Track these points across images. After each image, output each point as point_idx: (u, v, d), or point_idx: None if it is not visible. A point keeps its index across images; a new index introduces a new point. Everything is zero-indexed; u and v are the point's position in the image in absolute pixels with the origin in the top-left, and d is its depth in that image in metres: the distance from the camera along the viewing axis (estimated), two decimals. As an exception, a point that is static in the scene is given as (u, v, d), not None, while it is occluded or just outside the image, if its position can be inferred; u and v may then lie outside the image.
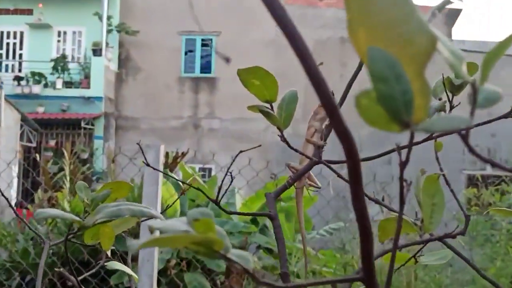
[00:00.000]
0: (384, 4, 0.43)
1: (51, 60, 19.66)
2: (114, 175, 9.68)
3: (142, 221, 1.20)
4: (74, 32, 20.30)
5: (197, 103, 19.74)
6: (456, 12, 19.24)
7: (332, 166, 1.14)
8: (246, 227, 6.60)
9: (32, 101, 18.90)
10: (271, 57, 18.00)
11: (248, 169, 5.75)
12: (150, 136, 18.59)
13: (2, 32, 20.39)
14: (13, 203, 7.02)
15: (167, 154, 7.45)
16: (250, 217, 6.80)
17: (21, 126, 16.95)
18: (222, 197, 1.05)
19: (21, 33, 20.40)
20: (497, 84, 0.49)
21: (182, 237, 0.52)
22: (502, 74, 13.93)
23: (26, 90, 19.15)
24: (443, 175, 0.83)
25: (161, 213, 1.16)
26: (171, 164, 7.34)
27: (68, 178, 8.62)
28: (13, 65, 20.47)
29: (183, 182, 1.23)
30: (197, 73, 20.11)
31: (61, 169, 11.00)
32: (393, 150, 0.90)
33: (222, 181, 1.08)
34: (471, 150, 0.45)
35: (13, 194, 11.98)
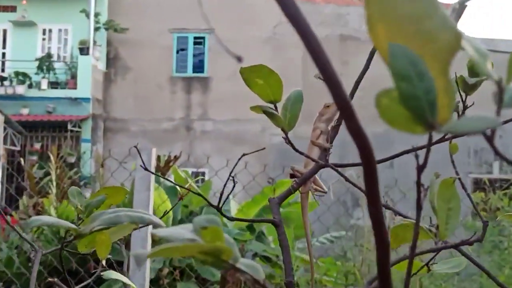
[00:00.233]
0: (405, -2, 0.43)
1: (36, 60, 19.64)
2: (103, 180, 9.66)
3: (134, 229, 1.19)
4: (60, 30, 20.27)
5: (189, 104, 19.74)
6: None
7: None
8: (241, 234, 6.59)
9: (16, 102, 18.86)
10: (268, 55, 18.01)
11: (244, 173, 5.74)
12: (140, 138, 18.55)
13: (-16, 30, 20.38)
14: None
15: (158, 158, 7.44)
16: (246, 224, 6.79)
17: (5, 128, 16.90)
18: (224, 203, 1.05)
19: (4, 31, 20.36)
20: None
21: (190, 246, 0.51)
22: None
23: (10, 91, 19.11)
24: (459, 179, 0.82)
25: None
26: (163, 168, 7.33)
27: (54, 183, 8.59)
28: (-5, 65, 20.46)
29: (181, 187, 1.23)
30: (189, 72, 20.11)
31: (47, 174, 10.96)
32: (407, 151, 0.90)
33: (224, 185, 1.07)
34: (497, 153, 0.45)
35: (-4, 200, 11.94)
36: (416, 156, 0.59)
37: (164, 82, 19.86)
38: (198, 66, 20.18)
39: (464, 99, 1.02)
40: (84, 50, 19.12)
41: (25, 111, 18.96)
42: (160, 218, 1.68)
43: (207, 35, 19.95)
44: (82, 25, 19.34)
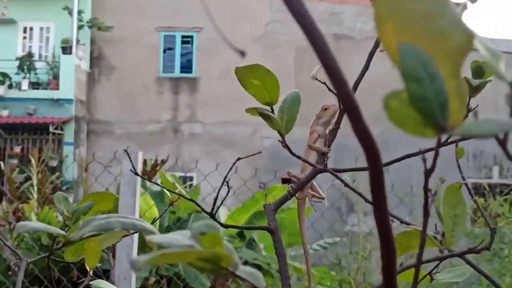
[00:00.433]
0: (415, -5, 0.43)
1: (16, 59, 19.56)
2: (87, 185, 9.63)
3: (123, 236, 1.19)
4: (41, 28, 20.22)
5: (177, 106, 19.72)
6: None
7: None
8: (231, 241, 6.59)
9: (-5, 103, 18.82)
10: (259, 55, 18.01)
11: (234, 178, 5.72)
12: (125, 141, 18.52)
13: (-38, 28, 20.29)
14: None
15: (145, 162, 7.43)
16: (236, 230, 6.79)
17: (-17, 131, 16.85)
18: (217, 209, 1.05)
19: (-17, 29, 20.31)
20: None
21: (189, 253, 0.51)
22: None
23: (-11, 92, 19.07)
24: (465, 184, 0.82)
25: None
26: (150, 172, 7.32)
27: (35, 188, 8.57)
28: (-26, 64, 20.37)
29: (171, 192, 1.23)
30: (176, 72, 20.09)
31: (28, 178, 10.93)
32: (413, 154, 0.90)
33: (218, 191, 1.07)
34: (510, 158, 0.45)
35: (-26, 206, 11.87)
36: (424, 160, 0.60)
37: (151, 83, 19.83)
38: (186, 66, 20.16)
39: (467, 102, 1.02)
40: (66, 49, 19.06)
41: (4, 112, 18.89)
42: (152, 224, 1.68)
43: (195, 34, 19.94)
44: (65, 23, 19.30)
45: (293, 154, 1.08)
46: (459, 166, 0.94)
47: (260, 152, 1.16)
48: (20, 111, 18.90)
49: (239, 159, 1.07)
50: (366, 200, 1.04)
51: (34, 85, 19.42)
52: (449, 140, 0.98)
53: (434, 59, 0.42)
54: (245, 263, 6.82)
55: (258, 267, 6.74)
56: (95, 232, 0.81)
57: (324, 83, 1.15)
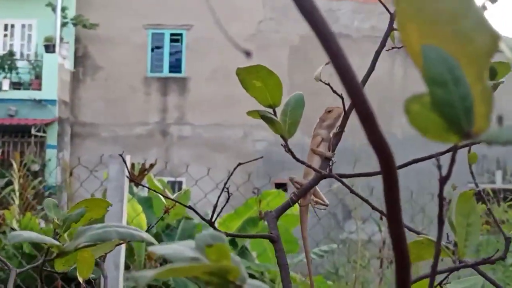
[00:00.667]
0: (438, -5, 0.43)
1: (-3, 58, 19.54)
2: (71, 190, 9.61)
3: (117, 245, 1.18)
4: (23, 25, 20.17)
5: (165, 107, 19.70)
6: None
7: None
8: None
9: (-26, 104, 18.77)
10: (251, 54, 18.01)
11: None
12: (111, 145, 18.50)
13: None
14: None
15: (133, 166, 7.42)
16: (227, 238, 6.78)
17: (-38, 133, 16.80)
18: (217, 217, 1.04)
19: (-38, 26, 20.25)
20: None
21: (196, 267, 0.51)
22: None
23: (-33, 92, 19.01)
24: (479, 191, 0.82)
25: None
26: (138, 177, 7.31)
27: (17, 193, 8.54)
28: (-48, 63, 20.31)
29: (167, 198, 1.22)
30: (165, 72, 20.08)
31: (9, 183, 10.89)
32: (429, 157, 0.90)
33: (218, 197, 1.07)
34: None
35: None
36: (439, 167, 0.59)
37: (138, 83, 19.81)
38: (175, 66, 20.15)
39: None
40: (49, 47, 19.02)
41: (-16, 114, 18.86)
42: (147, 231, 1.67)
43: (185, 32, 19.94)
44: (48, 20, 19.25)
45: (297, 159, 1.08)
46: (471, 172, 0.94)
47: (262, 157, 1.16)
48: (0, 112, 18.85)
49: (239, 164, 1.06)
50: (373, 207, 1.04)
51: (16, 85, 19.36)
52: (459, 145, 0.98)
53: (459, 62, 0.42)
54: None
55: (251, 276, 6.74)
56: (92, 242, 0.81)
57: (328, 84, 1.15)
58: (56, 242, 0.85)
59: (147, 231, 1.52)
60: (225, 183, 1.05)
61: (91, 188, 6.52)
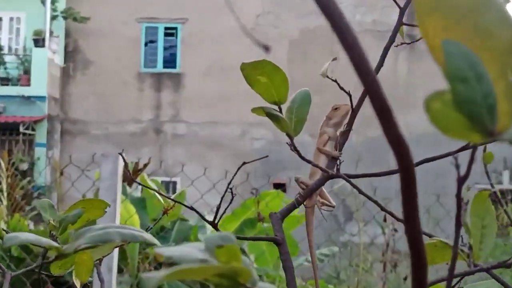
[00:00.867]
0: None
1: (-17, 52, 19.52)
2: (62, 190, 9.61)
3: (115, 247, 1.19)
4: (11, 19, 20.15)
5: (159, 104, 19.69)
6: None
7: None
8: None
9: (-40, 101, 18.75)
10: (248, 49, 17.99)
11: (224, 183, 5.73)
12: (103, 143, 18.49)
13: None
14: None
15: (126, 165, 7.41)
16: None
17: None
18: (220, 218, 1.05)
19: None
20: None
21: (206, 268, 0.52)
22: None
23: (-47, 88, 18.99)
24: (494, 192, 0.83)
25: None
26: (133, 176, 7.30)
27: (5, 193, 8.55)
28: None
29: (167, 198, 1.22)
30: (159, 68, 20.08)
31: (-4, 183, 10.89)
32: (445, 155, 0.90)
33: (221, 198, 1.07)
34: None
35: None
36: (457, 167, 0.60)
37: (131, 79, 19.80)
38: (169, 61, 20.14)
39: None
40: (39, 41, 19.00)
41: (-30, 111, 18.85)
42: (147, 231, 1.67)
43: (180, 26, 19.92)
44: (37, 13, 19.23)
45: (303, 159, 1.08)
46: (487, 172, 0.95)
47: (267, 156, 1.16)
48: (-13, 109, 18.86)
49: (244, 163, 1.07)
50: (382, 209, 1.04)
51: (3, 81, 19.35)
52: (470, 144, 0.98)
53: (481, 58, 0.43)
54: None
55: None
56: (92, 244, 0.81)
57: (335, 81, 1.15)
58: (55, 244, 0.85)
59: (148, 231, 1.53)
60: (229, 183, 1.05)
61: (82, 188, 6.51)
